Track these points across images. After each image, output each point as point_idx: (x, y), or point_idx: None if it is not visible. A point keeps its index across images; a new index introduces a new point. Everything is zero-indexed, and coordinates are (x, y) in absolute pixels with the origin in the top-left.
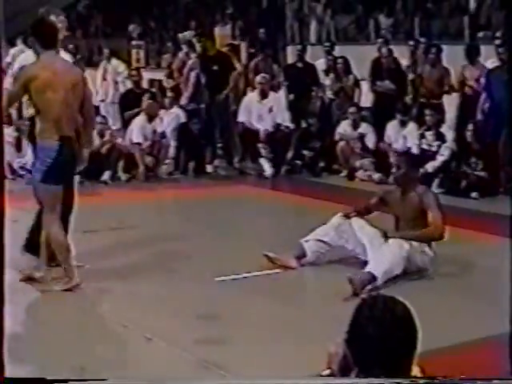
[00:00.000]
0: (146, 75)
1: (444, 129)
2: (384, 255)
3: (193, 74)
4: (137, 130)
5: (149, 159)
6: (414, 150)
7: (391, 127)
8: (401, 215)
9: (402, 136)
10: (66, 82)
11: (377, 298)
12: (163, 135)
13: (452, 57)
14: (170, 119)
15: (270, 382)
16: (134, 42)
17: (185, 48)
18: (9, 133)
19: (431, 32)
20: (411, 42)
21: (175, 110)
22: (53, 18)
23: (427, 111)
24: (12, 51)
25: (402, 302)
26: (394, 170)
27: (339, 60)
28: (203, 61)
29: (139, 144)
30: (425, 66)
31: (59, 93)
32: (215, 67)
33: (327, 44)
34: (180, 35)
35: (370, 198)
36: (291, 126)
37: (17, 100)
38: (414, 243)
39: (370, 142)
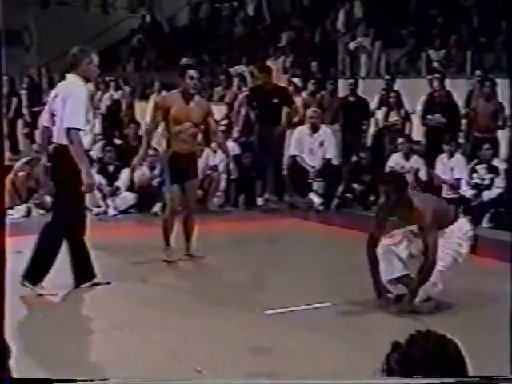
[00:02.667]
0: None
1: (496, 162)
2: None
3: (243, 107)
4: None
5: (199, 192)
6: (464, 184)
7: (440, 160)
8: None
9: (450, 168)
10: None
11: (428, 336)
12: (215, 168)
13: (505, 91)
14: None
15: None
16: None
17: (236, 81)
18: None
19: (484, 66)
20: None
21: (229, 143)
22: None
23: (485, 145)
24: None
25: (453, 340)
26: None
27: (392, 94)
28: (259, 94)
29: None
30: (479, 100)
31: None
32: (274, 100)
33: (388, 77)
34: (231, 69)
35: None
36: (341, 160)
37: None
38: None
39: (421, 174)
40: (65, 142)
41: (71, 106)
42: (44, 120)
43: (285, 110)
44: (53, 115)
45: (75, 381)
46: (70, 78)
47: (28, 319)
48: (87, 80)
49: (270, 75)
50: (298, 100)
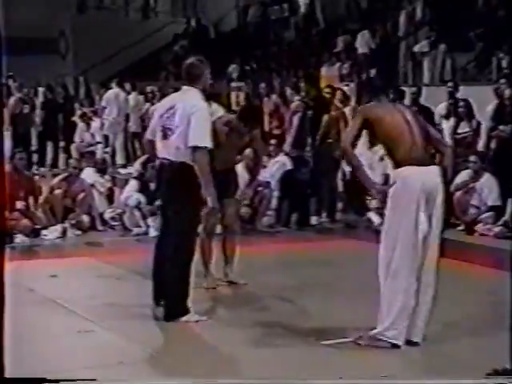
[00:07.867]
0: None
1: None
2: None
3: (296, 118)
4: None
5: (244, 210)
6: None
7: None
8: None
9: None
10: None
11: None
12: (267, 185)
13: None
14: (275, 168)
15: None
16: (233, 84)
17: (288, 90)
18: (102, 182)
19: None
20: None
21: (281, 157)
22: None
23: None
24: (107, 95)
25: None
26: None
27: (461, 103)
28: (306, 104)
29: None
30: None
31: None
32: (313, 111)
33: (450, 85)
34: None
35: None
36: None
37: None
38: None
39: (492, 193)
40: (184, 160)
41: (198, 123)
42: (148, 133)
43: (324, 118)
44: (165, 129)
45: (67, 380)
46: (189, 91)
47: None
48: (204, 93)
49: (314, 84)
50: (347, 110)
